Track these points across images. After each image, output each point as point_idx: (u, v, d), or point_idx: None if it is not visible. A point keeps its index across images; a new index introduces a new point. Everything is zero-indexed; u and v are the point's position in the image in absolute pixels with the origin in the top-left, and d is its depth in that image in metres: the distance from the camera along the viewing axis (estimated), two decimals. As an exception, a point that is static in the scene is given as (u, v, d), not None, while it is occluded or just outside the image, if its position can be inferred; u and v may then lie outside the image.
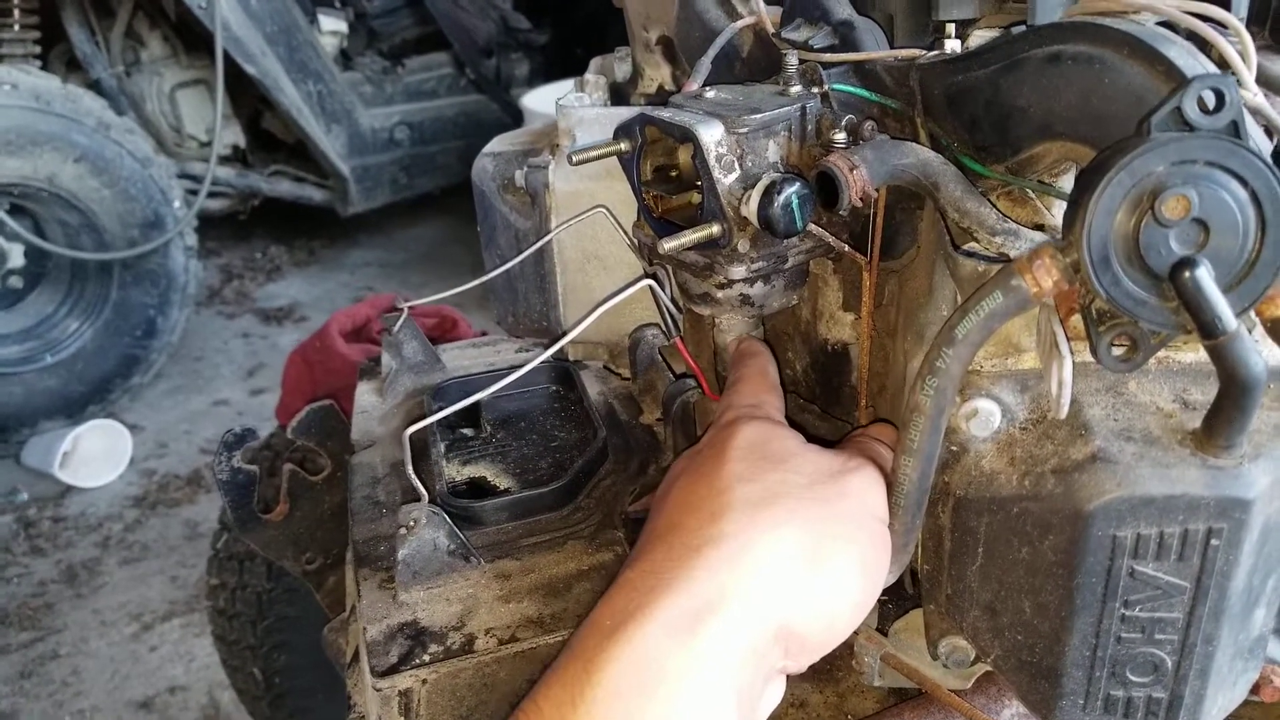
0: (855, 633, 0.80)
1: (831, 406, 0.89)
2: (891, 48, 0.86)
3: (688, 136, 0.69)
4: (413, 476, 0.71)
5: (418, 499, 0.75)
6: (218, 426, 3.50)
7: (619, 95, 1.09)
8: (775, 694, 0.60)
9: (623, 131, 0.76)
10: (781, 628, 0.56)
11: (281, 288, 4.65)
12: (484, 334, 1.54)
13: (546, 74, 4.74)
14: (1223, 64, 0.61)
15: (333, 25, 4.22)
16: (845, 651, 0.83)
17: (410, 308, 1.09)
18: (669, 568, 0.56)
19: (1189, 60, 0.56)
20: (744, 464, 0.62)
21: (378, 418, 1.02)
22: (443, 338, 1.50)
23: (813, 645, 0.59)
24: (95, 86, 3.78)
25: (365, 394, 1.06)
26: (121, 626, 2.61)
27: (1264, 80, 0.64)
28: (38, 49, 3.53)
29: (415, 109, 4.40)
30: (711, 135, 0.69)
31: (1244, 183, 0.49)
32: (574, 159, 0.75)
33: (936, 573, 0.64)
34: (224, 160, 4.18)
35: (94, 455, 3.27)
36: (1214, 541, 0.51)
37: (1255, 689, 0.62)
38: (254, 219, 4.61)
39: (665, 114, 0.72)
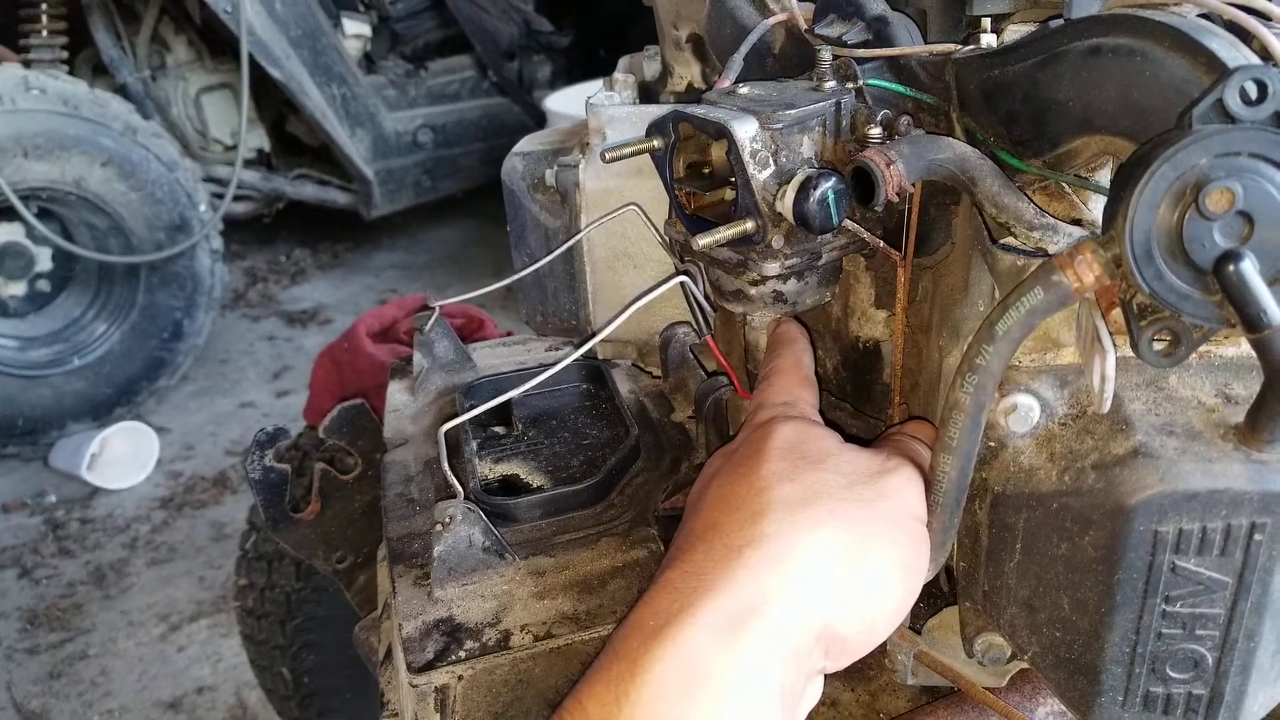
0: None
1: (863, 404, 0.89)
2: (925, 43, 0.86)
3: (722, 132, 0.69)
4: (449, 473, 0.71)
5: (452, 496, 0.75)
6: (244, 428, 3.53)
7: (648, 94, 1.10)
8: (814, 693, 0.60)
9: (655, 128, 0.77)
10: (823, 629, 0.56)
11: (306, 290, 4.68)
12: (509, 334, 1.54)
13: (569, 76, 4.76)
14: (1266, 55, 0.61)
15: (356, 29, 4.25)
16: (878, 650, 0.83)
17: (439, 307, 1.09)
18: (710, 568, 0.56)
19: (1231, 52, 0.56)
20: (783, 463, 0.61)
21: (410, 416, 1.02)
22: (470, 337, 1.51)
23: (853, 646, 0.58)
24: (122, 91, 3.82)
25: (397, 393, 1.07)
26: (149, 627, 2.63)
27: (1306, 72, 0.63)
28: (65, 54, 3.57)
29: (438, 112, 4.42)
30: (746, 131, 0.69)
31: (1289, 176, 0.48)
32: (607, 156, 0.76)
33: (973, 569, 0.63)
34: (249, 164, 4.21)
35: (121, 457, 3.30)
36: (1257, 537, 0.51)
37: (1297, 687, 0.62)
38: (278, 222, 4.65)
39: (699, 110, 0.72)
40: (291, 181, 4.29)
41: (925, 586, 0.75)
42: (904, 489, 0.61)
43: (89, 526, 3.07)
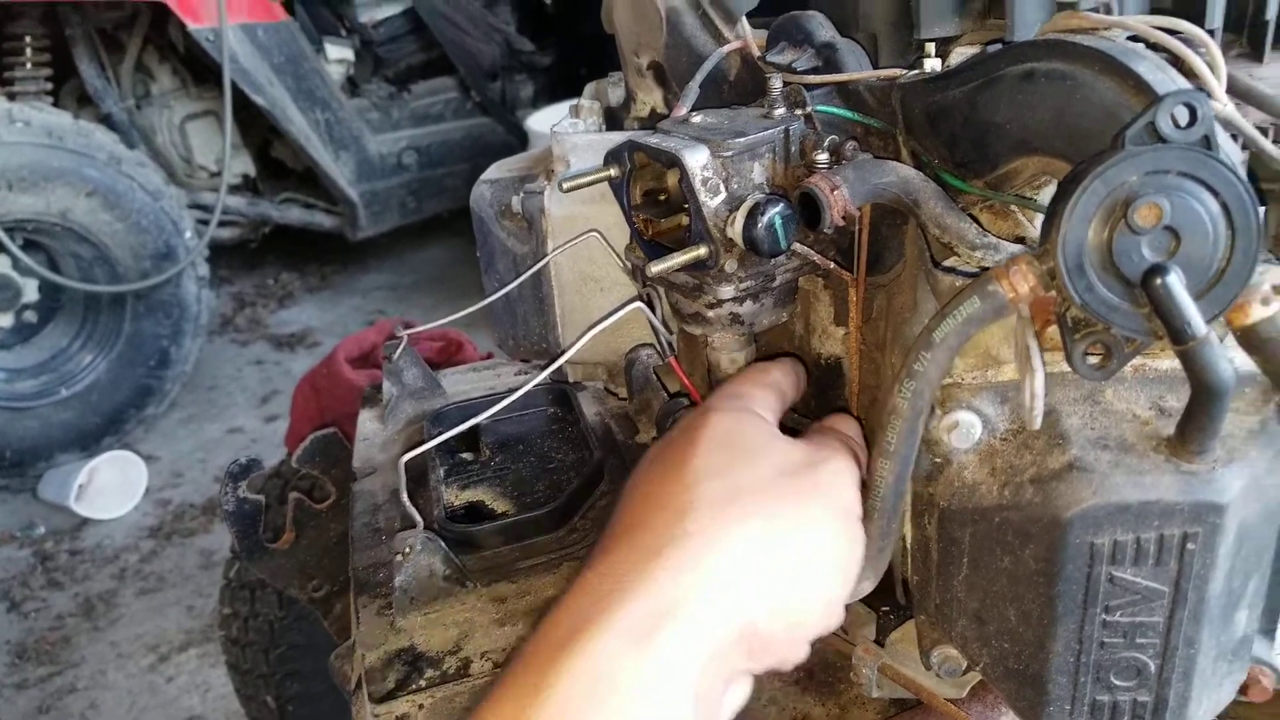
0: (853, 645, 0.81)
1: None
2: (876, 67, 0.88)
3: (674, 161, 0.71)
4: (407, 503, 0.72)
5: (413, 526, 0.77)
6: (232, 454, 3.53)
7: (614, 119, 1.11)
8: (740, 694, 0.59)
9: (612, 158, 0.78)
10: (746, 628, 0.54)
11: (294, 314, 4.68)
12: (489, 356, 1.56)
13: (551, 95, 4.78)
14: (1195, 75, 0.63)
15: (339, 53, 4.27)
16: (845, 664, 0.84)
17: (417, 332, 1.10)
18: (629, 570, 0.54)
19: (1158, 75, 0.58)
20: (712, 457, 0.60)
21: (379, 444, 1.03)
22: (449, 360, 1.52)
23: (779, 645, 0.57)
24: (106, 120, 3.83)
25: (367, 421, 1.08)
26: (139, 658, 2.63)
27: (1236, 90, 0.65)
28: (49, 85, 3.59)
29: (422, 133, 4.45)
30: (697, 160, 0.71)
31: (1215, 193, 0.50)
32: (565, 186, 0.77)
33: (925, 583, 0.65)
34: (234, 189, 4.23)
35: (110, 487, 3.29)
36: (1189, 546, 0.52)
37: (1243, 689, 0.63)
38: (265, 246, 4.66)
39: (652, 139, 0.74)
40: (277, 206, 4.30)
41: (887, 599, 0.77)
42: (836, 481, 0.60)
43: (78, 558, 3.06)
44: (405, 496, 0.71)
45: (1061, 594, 0.54)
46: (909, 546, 0.66)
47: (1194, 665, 0.56)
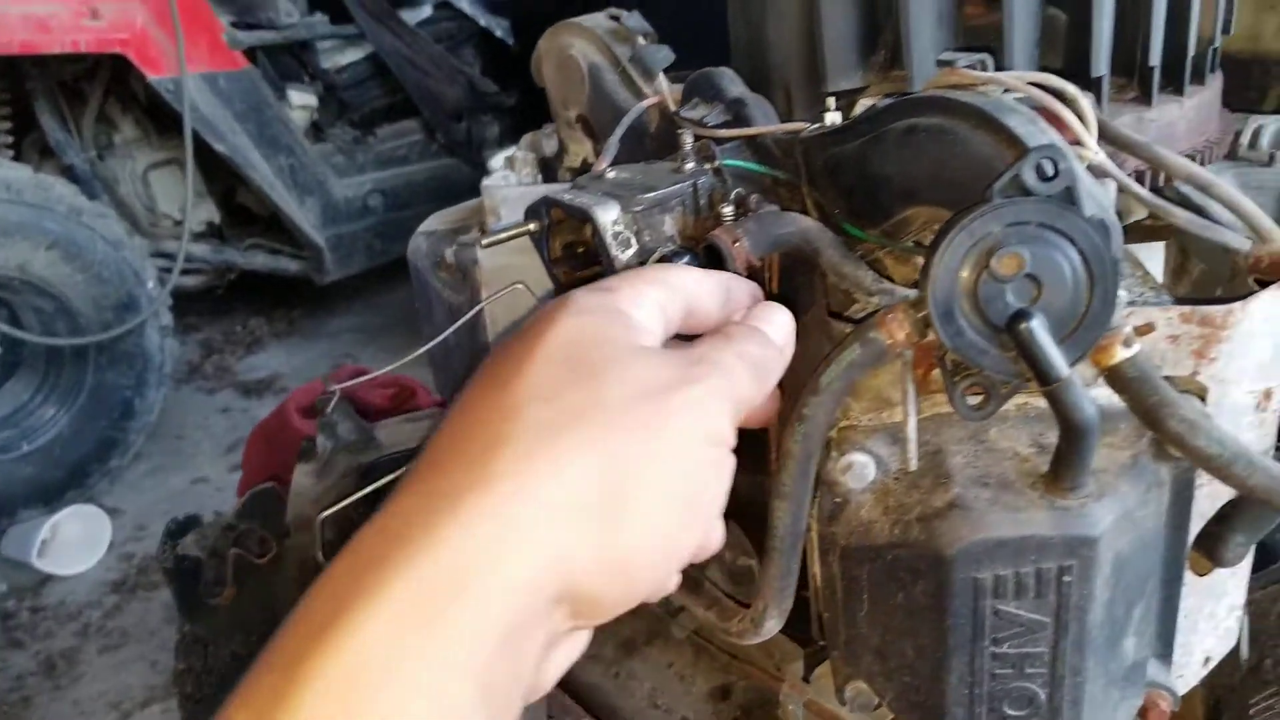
0: (781, 681, 0.83)
1: (759, 463, 0.92)
2: (791, 117, 0.91)
3: (586, 217, 0.73)
4: (323, 563, 0.73)
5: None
6: (197, 505, 3.50)
7: (548, 169, 1.14)
8: (570, 652, 0.51)
9: (531, 213, 0.80)
10: (566, 589, 0.45)
11: (262, 359, 4.67)
12: (442, 403, 1.57)
13: (516, 134, 4.75)
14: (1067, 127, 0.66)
15: (302, 100, 4.30)
16: (774, 703, 0.86)
17: (354, 384, 1.12)
18: (416, 524, 0.43)
19: (1029, 128, 0.61)
20: (549, 372, 0.48)
21: (312, 499, 1.05)
22: (400, 408, 1.53)
23: (609, 604, 0.48)
24: (69, 172, 3.84)
25: (302, 475, 1.09)
26: (100, 716, 2.59)
27: (1109, 138, 0.69)
28: (10, 139, 3.59)
29: (387, 176, 4.47)
30: (608, 215, 0.73)
31: (1073, 242, 0.53)
32: (484, 243, 0.79)
33: (835, 619, 0.67)
34: (200, 236, 4.23)
35: (73, 542, 3.26)
36: (1066, 578, 0.55)
37: (1142, 713, 0.66)
38: (233, 292, 4.65)
39: (566, 196, 0.77)
40: (243, 252, 4.31)
41: (808, 636, 0.78)
42: (700, 405, 0.50)
43: (40, 615, 3.02)
44: (321, 555, 0.73)
45: (951, 628, 0.57)
46: (818, 585, 0.68)
47: (1082, 693, 0.58)
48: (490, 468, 0.45)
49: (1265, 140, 0.98)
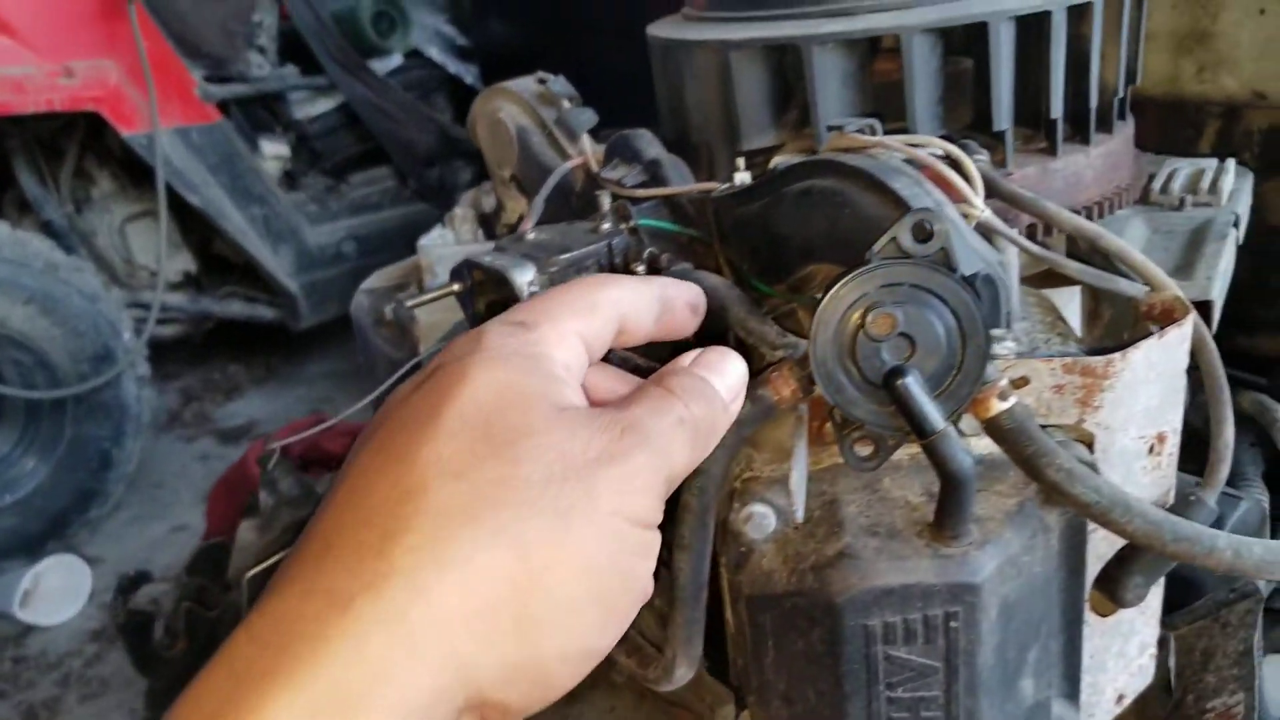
0: (713, 725, 0.85)
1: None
2: (714, 175, 0.94)
3: (503, 279, 0.76)
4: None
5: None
6: (177, 553, 3.49)
7: (488, 225, 1.17)
8: None
9: (455, 274, 0.83)
10: (471, 699, 0.41)
11: (241, 406, 4.68)
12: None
13: (488, 178, 4.87)
14: (953, 187, 0.69)
15: (275, 150, 4.34)
16: (709, 743, 0.87)
17: (328, 427, 1.14)
18: (298, 630, 0.38)
19: (913, 190, 0.64)
20: (457, 443, 0.42)
21: (254, 554, 1.06)
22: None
23: (522, 709, 0.43)
24: (47, 227, 3.86)
25: (245, 530, 1.11)
26: (80, 767, 2.58)
27: (999, 194, 0.72)
28: (-12, 197, 3.62)
29: (360, 222, 4.50)
30: (524, 277, 0.76)
31: (945, 302, 0.56)
32: (409, 305, 0.82)
33: (746, 666, 0.68)
34: (176, 286, 4.25)
35: (54, 592, 3.24)
36: (953, 624, 0.57)
37: (1049, 752, 0.67)
38: (211, 339, 4.66)
39: (486, 259, 0.79)
40: (219, 300, 4.33)
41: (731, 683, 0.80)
42: (628, 483, 0.44)
43: (21, 665, 3.01)
44: (246, 609, 0.74)
45: (847, 674, 0.59)
46: (732, 632, 0.70)
47: (979, 733, 0.60)
48: (386, 563, 0.39)
49: (1177, 185, 1.02)
